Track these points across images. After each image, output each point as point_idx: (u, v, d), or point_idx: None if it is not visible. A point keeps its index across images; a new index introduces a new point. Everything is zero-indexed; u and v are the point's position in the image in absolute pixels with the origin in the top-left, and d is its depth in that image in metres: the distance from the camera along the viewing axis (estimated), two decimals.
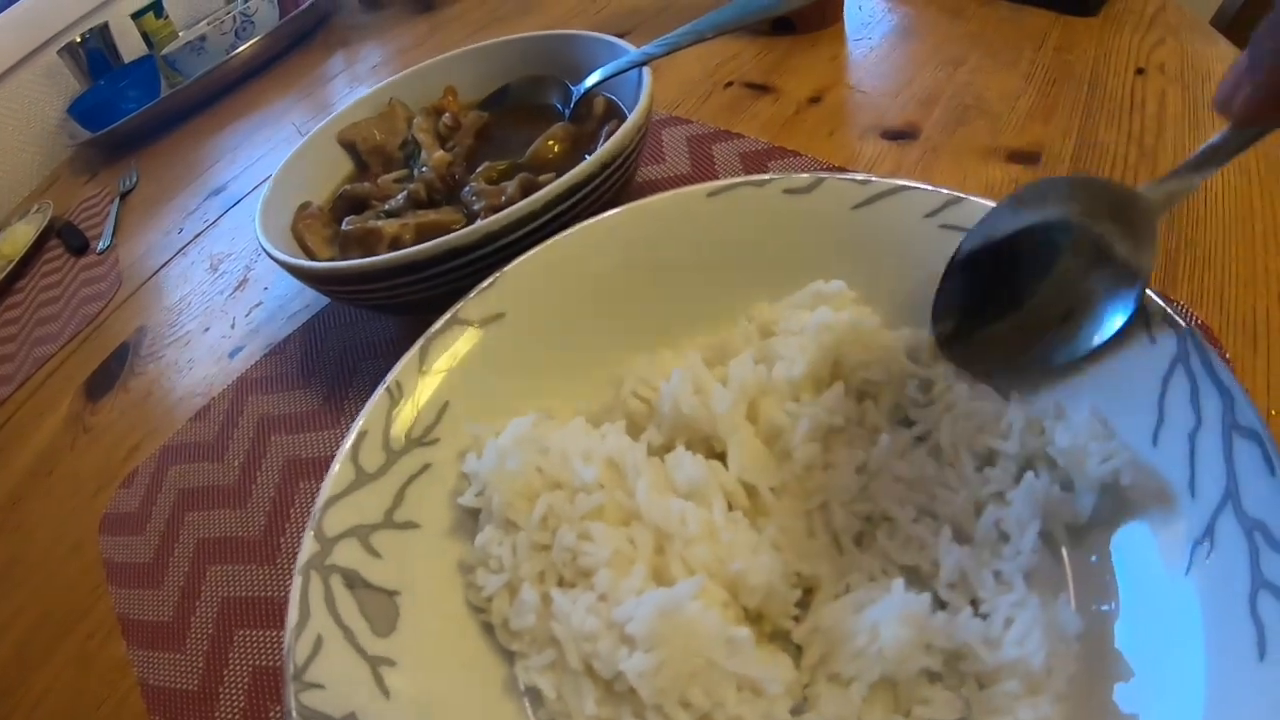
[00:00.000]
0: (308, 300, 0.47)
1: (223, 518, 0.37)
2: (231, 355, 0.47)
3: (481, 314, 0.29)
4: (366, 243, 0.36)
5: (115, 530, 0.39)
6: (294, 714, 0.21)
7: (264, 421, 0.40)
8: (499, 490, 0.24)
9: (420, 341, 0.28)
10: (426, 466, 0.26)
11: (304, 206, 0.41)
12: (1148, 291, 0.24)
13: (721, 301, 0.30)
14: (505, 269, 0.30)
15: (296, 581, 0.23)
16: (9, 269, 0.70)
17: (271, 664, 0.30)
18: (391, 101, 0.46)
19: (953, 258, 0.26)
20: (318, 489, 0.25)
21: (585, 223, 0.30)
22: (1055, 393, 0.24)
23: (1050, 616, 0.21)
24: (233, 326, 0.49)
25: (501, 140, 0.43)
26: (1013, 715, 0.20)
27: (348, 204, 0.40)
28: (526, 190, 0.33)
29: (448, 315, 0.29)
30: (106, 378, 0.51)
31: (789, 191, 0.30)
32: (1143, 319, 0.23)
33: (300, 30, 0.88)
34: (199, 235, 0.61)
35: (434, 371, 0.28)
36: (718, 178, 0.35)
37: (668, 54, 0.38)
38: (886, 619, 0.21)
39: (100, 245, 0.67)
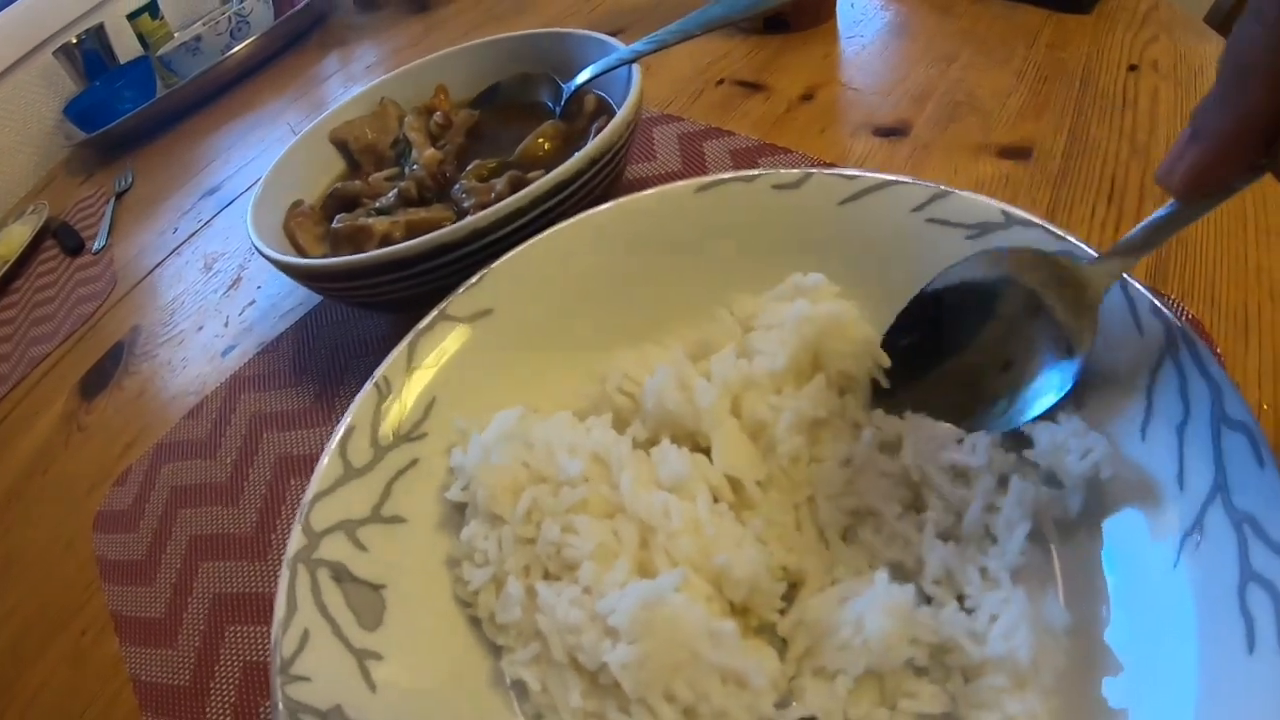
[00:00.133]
0: (300, 299, 0.47)
1: (215, 515, 0.37)
2: (224, 354, 0.47)
3: (469, 310, 0.29)
4: (357, 240, 0.36)
5: (109, 528, 0.40)
6: (280, 706, 0.21)
7: (256, 419, 0.40)
8: (484, 484, 0.24)
9: (408, 338, 0.28)
10: (414, 462, 0.27)
11: (296, 205, 0.41)
12: (1136, 284, 0.24)
13: (710, 296, 0.30)
14: (493, 265, 0.30)
15: (284, 575, 0.23)
16: (4, 270, 0.70)
17: (262, 659, 0.30)
18: (383, 100, 0.46)
19: (898, 316, 0.26)
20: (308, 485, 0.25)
21: (574, 219, 0.30)
22: None
23: (1038, 611, 0.21)
24: (226, 325, 0.49)
25: (492, 138, 0.43)
26: (999, 709, 0.20)
27: (339, 202, 0.41)
28: (516, 187, 0.33)
29: (435, 312, 0.29)
30: (101, 376, 0.51)
31: (777, 187, 0.30)
32: (1132, 312, 0.23)
33: (295, 30, 0.88)
34: (193, 235, 0.62)
35: (422, 367, 0.28)
36: (708, 175, 0.35)
37: (657, 51, 0.38)
38: (871, 611, 0.21)
39: (95, 245, 0.67)
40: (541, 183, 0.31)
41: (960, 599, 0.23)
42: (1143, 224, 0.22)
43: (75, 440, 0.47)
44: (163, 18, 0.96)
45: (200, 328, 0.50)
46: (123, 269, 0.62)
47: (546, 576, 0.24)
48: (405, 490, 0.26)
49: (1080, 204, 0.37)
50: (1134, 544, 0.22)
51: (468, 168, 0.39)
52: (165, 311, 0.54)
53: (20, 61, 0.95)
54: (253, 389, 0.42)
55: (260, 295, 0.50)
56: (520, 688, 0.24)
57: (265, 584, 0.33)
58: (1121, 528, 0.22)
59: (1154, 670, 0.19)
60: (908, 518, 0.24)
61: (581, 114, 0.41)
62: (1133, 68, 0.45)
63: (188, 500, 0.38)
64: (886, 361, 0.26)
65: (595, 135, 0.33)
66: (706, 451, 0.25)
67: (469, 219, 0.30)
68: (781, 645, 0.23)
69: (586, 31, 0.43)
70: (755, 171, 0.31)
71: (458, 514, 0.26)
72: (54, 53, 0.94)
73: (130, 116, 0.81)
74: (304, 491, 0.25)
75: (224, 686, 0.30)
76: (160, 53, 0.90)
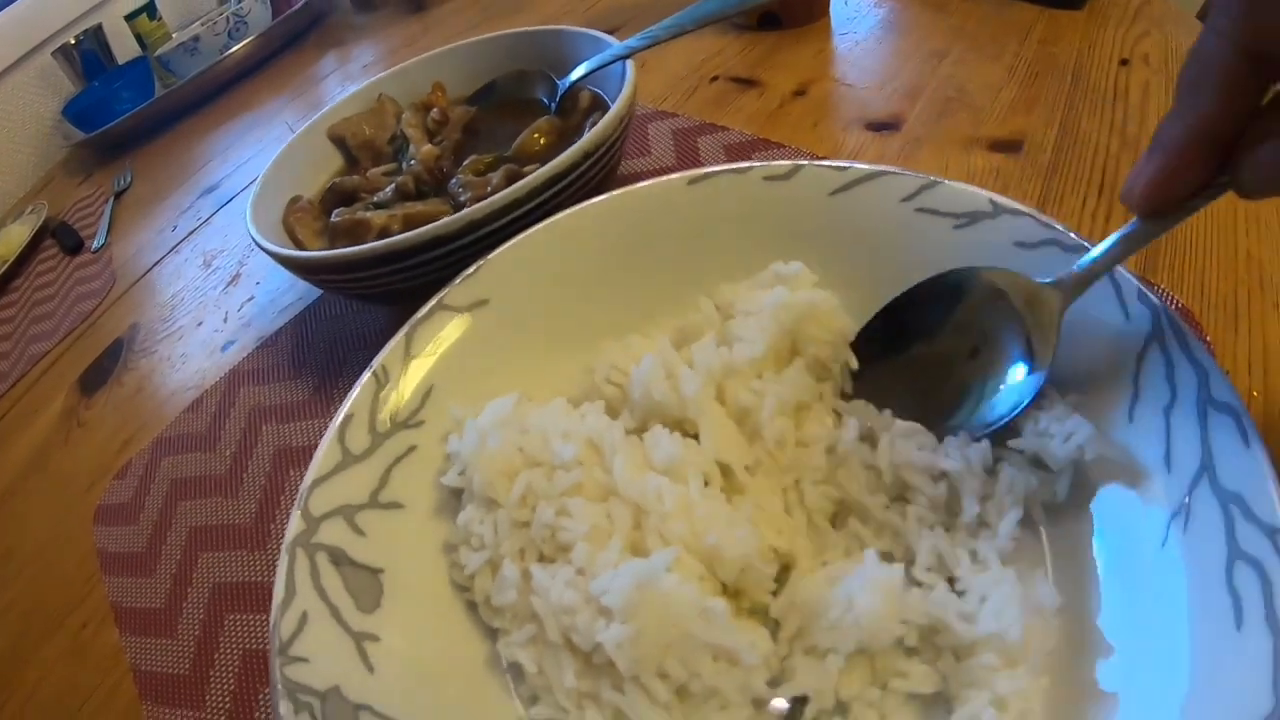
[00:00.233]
0: (299, 294, 0.48)
1: (215, 506, 0.37)
2: (224, 349, 0.47)
3: (466, 300, 0.29)
4: (355, 233, 0.36)
5: (109, 521, 0.40)
6: (279, 687, 0.22)
7: (255, 412, 0.41)
8: (479, 469, 0.24)
9: (406, 327, 0.29)
10: (412, 449, 0.27)
11: (294, 200, 0.41)
12: (1123, 270, 0.24)
13: (703, 288, 0.30)
14: (489, 256, 0.30)
15: (283, 559, 0.24)
16: (3, 269, 0.70)
17: (261, 647, 0.31)
18: (381, 97, 0.46)
19: (868, 323, 0.27)
20: None
21: (569, 210, 0.31)
22: None
23: (1028, 592, 0.21)
24: (225, 321, 0.50)
25: (488, 134, 0.43)
26: (990, 688, 0.20)
27: (337, 197, 0.41)
28: (511, 181, 0.33)
29: (433, 302, 0.29)
30: (100, 373, 0.51)
31: (768, 179, 0.31)
32: (1118, 297, 0.24)
33: (293, 31, 0.88)
34: (192, 233, 0.62)
35: (419, 356, 0.28)
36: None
37: (651, 46, 0.38)
38: (861, 590, 0.21)
39: (95, 244, 0.68)
40: (537, 175, 0.31)
41: (950, 581, 0.23)
42: (1104, 244, 0.22)
43: (75, 436, 0.47)
44: (161, 18, 0.96)
45: (200, 323, 0.51)
46: (122, 267, 0.62)
47: (541, 559, 0.24)
48: (403, 476, 0.26)
49: (1071, 195, 0.38)
50: (1122, 525, 0.22)
51: (464, 163, 0.39)
52: (164, 308, 0.55)
53: (18, 62, 0.96)
54: (252, 383, 0.43)
55: (259, 291, 0.50)
56: (516, 670, 0.24)
57: (264, 573, 0.33)
58: (1110, 510, 0.22)
59: (1144, 649, 0.20)
60: (895, 508, 0.24)
61: (576, 110, 0.42)
62: (1124, 62, 0.46)
63: (187, 492, 0.39)
64: (855, 363, 0.27)
65: (590, 130, 0.33)
66: (696, 437, 0.25)
67: (465, 211, 0.31)
68: (774, 628, 0.23)
69: (581, 29, 0.43)
70: (746, 164, 0.31)
71: (454, 500, 0.27)
72: (52, 53, 0.94)
73: (129, 117, 0.81)
74: (303, 481, 0.25)
75: (223, 674, 0.31)
76: (159, 53, 0.90)
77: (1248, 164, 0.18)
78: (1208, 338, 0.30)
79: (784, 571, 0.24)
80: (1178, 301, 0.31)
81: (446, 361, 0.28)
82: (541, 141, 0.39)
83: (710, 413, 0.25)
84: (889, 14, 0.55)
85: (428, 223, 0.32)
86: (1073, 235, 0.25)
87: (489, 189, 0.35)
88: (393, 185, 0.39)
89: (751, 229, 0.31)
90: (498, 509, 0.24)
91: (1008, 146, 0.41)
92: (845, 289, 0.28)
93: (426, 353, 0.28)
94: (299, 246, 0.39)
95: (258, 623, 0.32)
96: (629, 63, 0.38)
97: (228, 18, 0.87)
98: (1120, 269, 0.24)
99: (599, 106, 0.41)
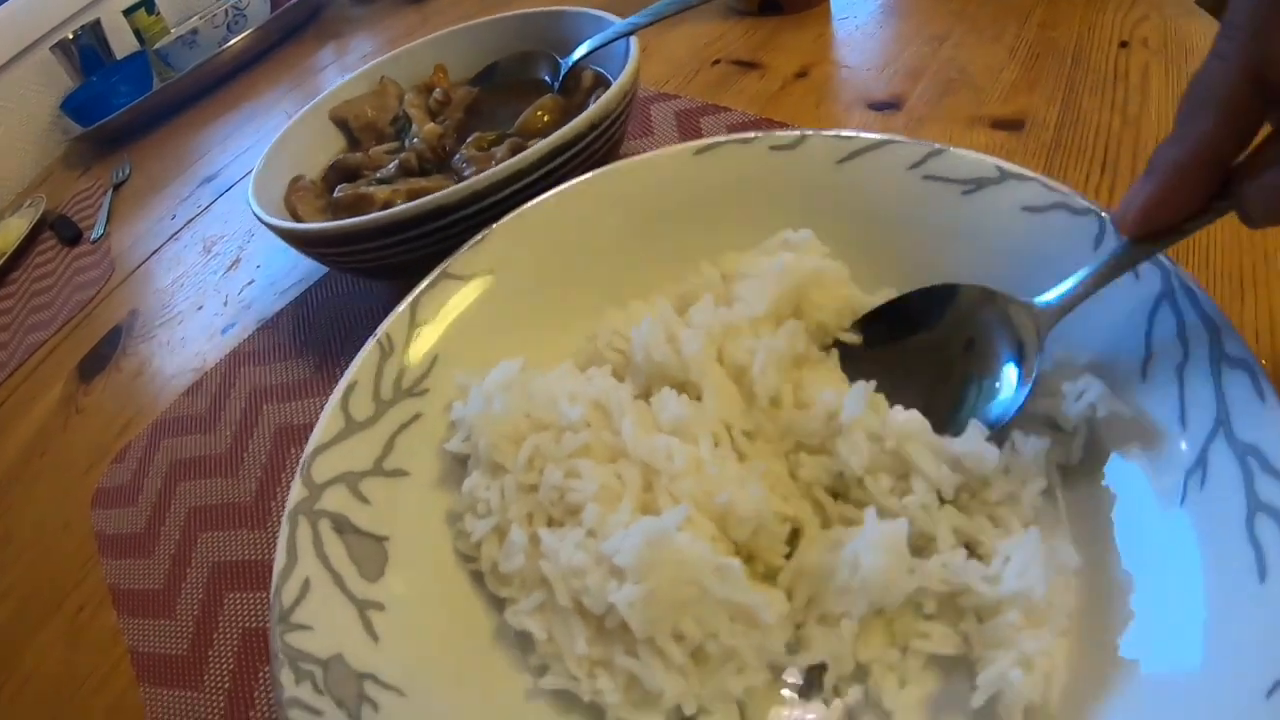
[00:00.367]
0: (300, 276, 0.47)
1: (214, 486, 0.37)
2: (224, 331, 0.47)
3: (471, 269, 0.29)
4: (358, 208, 0.36)
5: (107, 504, 0.39)
6: (280, 655, 0.21)
7: (256, 392, 0.40)
8: (485, 433, 0.24)
9: (411, 296, 0.28)
10: (416, 416, 0.27)
11: (296, 179, 0.41)
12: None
13: (709, 256, 0.30)
14: (495, 225, 0.30)
15: (284, 526, 0.23)
16: (1, 262, 0.70)
17: (261, 625, 0.30)
18: (383, 79, 0.46)
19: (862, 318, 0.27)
20: None
21: (575, 180, 0.31)
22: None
23: (1050, 550, 0.21)
24: (225, 304, 0.49)
25: (491, 114, 0.43)
26: (1015, 647, 0.20)
27: (340, 174, 0.41)
28: (515, 154, 0.33)
29: (438, 271, 0.29)
30: (99, 360, 0.51)
31: (775, 148, 0.31)
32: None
33: (292, 23, 0.88)
34: (192, 220, 0.62)
35: (424, 324, 0.28)
36: None
37: (653, 24, 0.38)
38: (865, 550, 0.21)
39: (94, 235, 0.67)
40: (542, 145, 0.31)
41: (969, 548, 0.22)
42: (1089, 266, 0.22)
43: (74, 422, 0.47)
44: (159, 13, 0.96)
45: (200, 307, 0.50)
46: (120, 256, 0.62)
47: (550, 524, 0.24)
48: (408, 444, 0.26)
49: (1074, 171, 0.38)
50: (1139, 485, 0.22)
51: (468, 140, 0.39)
52: (164, 295, 0.54)
53: (17, 58, 0.96)
54: (252, 363, 0.42)
55: (259, 274, 0.50)
56: (525, 640, 0.24)
57: (265, 551, 0.33)
58: (1125, 469, 0.22)
59: (1164, 607, 0.19)
60: (899, 487, 0.23)
61: (579, 89, 0.42)
62: (1123, 45, 0.46)
63: (187, 473, 0.38)
64: (856, 339, 0.26)
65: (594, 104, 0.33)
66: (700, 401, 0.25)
67: (470, 180, 0.31)
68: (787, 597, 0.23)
69: (583, 9, 0.43)
70: (752, 134, 0.31)
71: (460, 469, 0.26)
72: (50, 49, 0.94)
73: (127, 110, 0.81)
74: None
75: (222, 654, 0.30)
76: (157, 47, 0.90)
77: (1254, 192, 0.18)
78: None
79: (793, 537, 0.24)
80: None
81: (452, 330, 0.28)
82: (545, 119, 0.39)
83: (712, 373, 0.24)
84: None
85: None
86: (1080, 198, 0.25)
87: (494, 163, 0.35)
88: (395, 162, 0.39)
89: (758, 199, 0.31)
90: (504, 473, 0.24)
91: (1010, 125, 0.41)
92: (852, 257, 0.28)
93: (432, 321, 0.28)
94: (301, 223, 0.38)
95: (258, 601, 0.31)
96: (632, 39, 0.37)
97: (226, 11, 0.87)
98: None
99: (602, 85, 0.41)
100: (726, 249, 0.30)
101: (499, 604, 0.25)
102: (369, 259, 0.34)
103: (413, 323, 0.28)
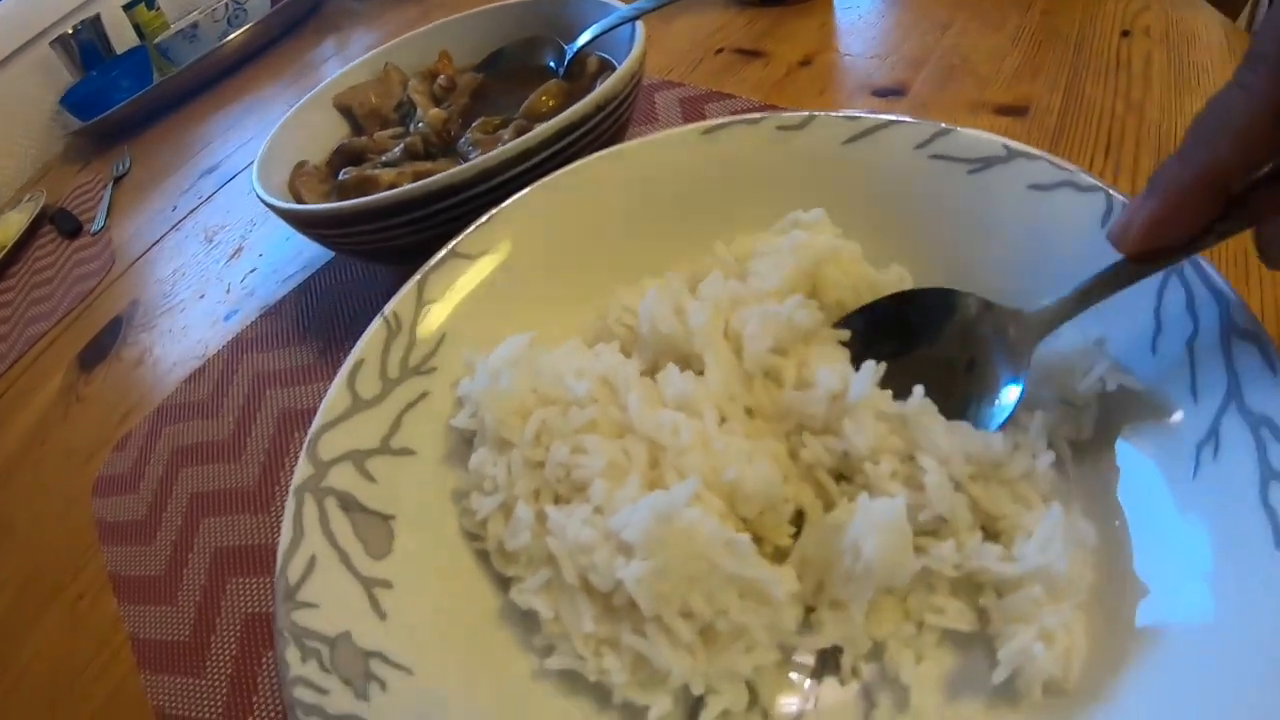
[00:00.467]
0: (303, 263, 0.47)
1: (217, 471, 0.37)
2: (226, 318, 0.47)
3: (480, 248, 0.29)
4: (364, 190, 0.36)
5: (108, 491, 0.39)
6: (285, 633, 0.21)
7: (259, 378, 0.40)
8: (492, 408, 0.24)
9: (418, 274, 0.28)
10: (424, 395, 0.26)
11: (301, 164, 0.41)
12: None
13: (715, 237, 0.30)
14: (503, 205, 0.30)
15: (290, 503, 0.23)
16: (1, 255, 0.70)
17: (263, 609, 0.30)
18: (387, 66, 0.46)
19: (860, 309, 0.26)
20: None
21: (582, 160, 0.31)
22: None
23: (1070, 525, 0.21)
24: (228, 291, 0.49)
25: (496, 100, 0.43)
26: (1036, 622, 0.20)
27: (345, 158, 0.41)
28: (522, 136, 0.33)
29: (446, 250, 0.29)
30: (99, 350, 0.51)
31: (782, 128, 0.31)
32: None
33: (292, 17, 0.88)
34: (193, 211, 0.61)
35: (432, 302, 0.28)
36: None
37: (658, 9, 0.38)
38: (865, 534, 0.20)
39: (94, 227, 0.67)
40: (549, 125, 0.31)
41: (985, 527, 0.22)
42: (1088, 278, 0.22)
43: (74, 411, 0.47)
44: (159, 8, 0.96)
45: (202, 296, 0.50)
46: (121, 247, 0.62)
47: (556, 500, 0.23)
48: (414, 423, 0.26)
49: (1078, 156, 0.38)
50: (1151, 456, 0.21)
51: (473, 123, 0.39)
52: (165, 284, 0.54)
53: (16, 53, 0.95)
54: (255, 349, 0.42)
55: (262, 263, 0.50)
56: (531, 622, 0.23)
57: (268, 536, 0.33)
58: (1137, 442, 0.22)
59: (1178, 577, 0.19)
60: (909, 465, 0.22)
61: (585, 75, 0.42)
62: (1125, 34, 0.46)
63: (189, 459, 0.38)
64: (845, 335, 0.25)
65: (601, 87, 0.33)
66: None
67: (478, 159, 0.30)
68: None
69: None
70: (759, 114, 0.31)
71: (467, 448, 0.26)
72: (50, 44, 0.94)
73: (127, 104, 0.81)
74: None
75: (225, 639, 0.30)
76: (157, 41, 0.90)
77: (1273, 235, 0.18)
78: None
79: (798, 518, 0.24)
80: None
81: (459, 308, 0.28)
82: (550, 104, 0.39)
83: (716, 345, 0.24)
84: None
85: None
86: (1087, 176, 0.25)
87: (500, 145, 0.35)
88: (401, 146, 0.39)
89: (765, 179, 0.30)
90: (511, 449, 0.24)
91: (1014, 111, 0.41)
92: (861, 236, 0.28)
93: (440, 299, 0.28)
94: None
95: (261, 586, 0.31)
96: (638, 23, 0.37)
97: (226, 5, 0.87)
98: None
99: (607, 71, 0.41)
100: (735, 228, 0.30)
101: (505, 584, 0.24)
102: (375, 240, 0.34)
103: (420, 301, 0.28)
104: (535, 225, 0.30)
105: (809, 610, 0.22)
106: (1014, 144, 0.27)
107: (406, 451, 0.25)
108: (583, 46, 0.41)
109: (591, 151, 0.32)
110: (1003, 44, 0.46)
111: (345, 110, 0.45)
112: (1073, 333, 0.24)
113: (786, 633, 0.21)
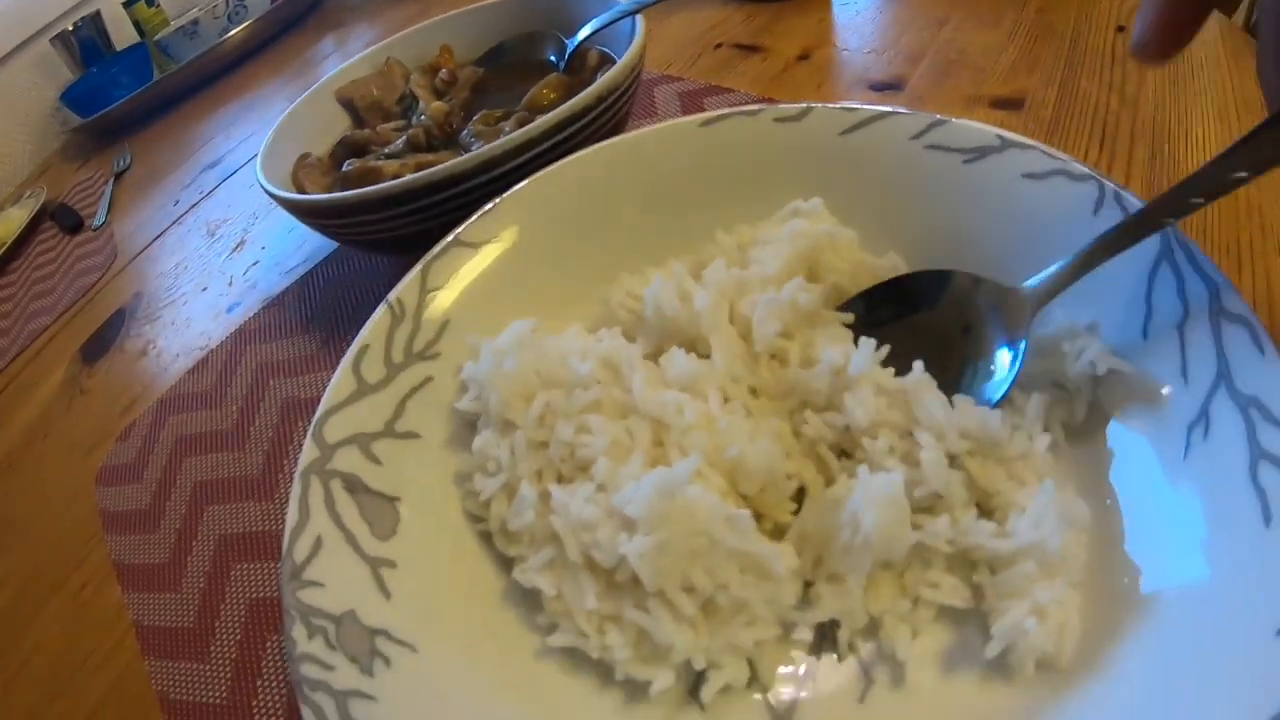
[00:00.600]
0: (305, 255, 0.47)
1: (221, 460, 0.37)
2: (229, 311, 0.47)
3: (483, 236, 0.29)
4: (367, 180, 0.36)
5: (111, 481, 0.39)
6: (292, 611, 0.21)
7: (262, 367, 0.40)
8: (496, 390, 0.24)
9: (422, 262, 0.28)
10: (428, 380, 0.27)
11: (304, 156, 0.41)
12: (1131, 196, 0.24)
13: (713, 227, 0.30)
14: (505, 194, 0.30)
15: (296, 485, 0.23)
16: (1, 251, 0.70)
17: (268, 595, 0.30)
18: (389, 60, 0.46)
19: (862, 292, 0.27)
20: None
21: (583, 151, 0.31)
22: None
23: (1063, 503, 0.21)
24: (230, 284, 0.49)
25: (497, 94, 0.43)
26: (1029, 597, 0.20)
27: (347, 150, 0.41)
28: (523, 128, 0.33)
29: (449, 238, 0.29)
30: (102, 343, 0.51)
31: (779, 120, 0.31)
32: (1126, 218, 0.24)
33: (293, 14, 0.88)
34: (195, 205, 0.62)
35: (436, 290, 0.28)
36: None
37: (658, 3, 0.39)
38: (863, 508, 0.21)
39: (95, 223, 0.67)
40: (552, 115, 0.32)
41: (980, 504, 0.23)
42: (1075, 253, 0.23)
43: (77, 404, 0.47)
44: (159, 6, 0.96)
45: (204, 289, 0.51)
46: (123, 242, 0.62)
47: (559, 481, 0.24)
48: (419, 407, 0.26)
49: (1073, 149, 0.38)
50: (1142, 438, 0.22)
51: (475, 116, 0.39)
52: (168, 278, 0.54)
53: (17, 50, 0.95)
54: (258, 340, 0.42)
55: (264, 255, 0.50)
56: (534, 601, 0.24)
57: (273, 523, 0.33)
58: (1129, 424, 0.22)
59: (1170, 555, 0.20)
60: (908, 440, 0.23)
61: (585, 69, 0.42)
62: (1120, 29, 0.46)
63: (193, 449, 0.38)
64: (849, 318, 0.26)
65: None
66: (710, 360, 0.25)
67: (480, 149, 0.31)
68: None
69: None
70: (758, 106, 0.31)
71: (470, 432, 0.26)
72: (50, 41, 0.94)
73: (127, 100, 0.81)
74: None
75: (229, 625, 0.30)
76: (157, 38, 0.90)
77: None
78: None
79: (799, 495, 0.24)
80: None
81: (463, 295, 0.28)
82: (551, 97, 0.39)
83: (721, 329, 0.24)
84: None
85: None
86: (1080, 165, 0.26)
87: (502, 137, 0.35)
88: (403, 138, 0.39)
89: (763, 170, 0.31)
90: (514, 430, 0.24)
91: (1010, 104, 0.42)
92: (859, 225, 0.28)
93: (443, 286, 0.28)
94: None
95: (265, 571, 0.31)
96: (638, 17, 0.38)
97: (227, 1, 0.87)
98: (1127, 195, 0.24)
99: (608, 65, 0.41)
100: (735, 218, 0.30)
101: (507, 565, 0.25)
102: (378, 230, 0.34)
103: (424, 288, 0.28)
104: (538, 214, 0.30)
105: (807, 585, 0.23)
106: (1008, 134, 0.28)
107: (411, 435, 0.26)
108: (583, 41, 0.41)
109: (592, 143, 0.33)
110: (999, 39, 0.47)
111: (347, 103, 0.45)
112: (1065, 318, 0.24)
113: (786, 607, 0.22)
